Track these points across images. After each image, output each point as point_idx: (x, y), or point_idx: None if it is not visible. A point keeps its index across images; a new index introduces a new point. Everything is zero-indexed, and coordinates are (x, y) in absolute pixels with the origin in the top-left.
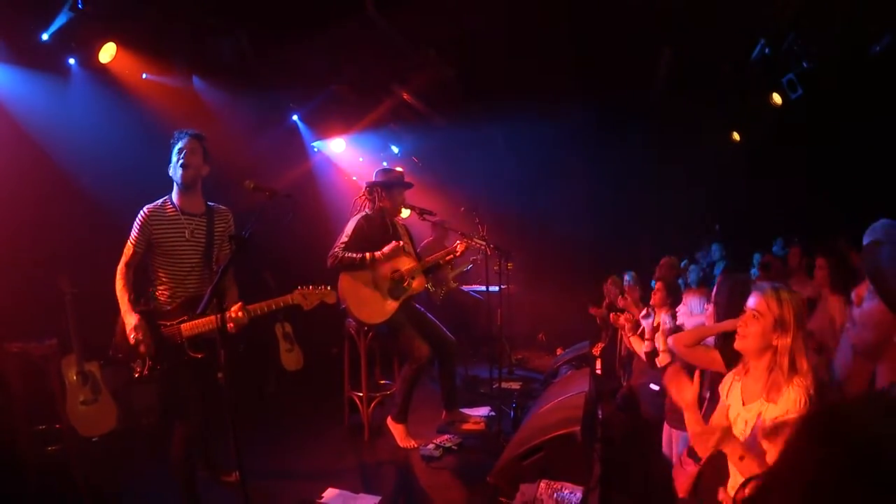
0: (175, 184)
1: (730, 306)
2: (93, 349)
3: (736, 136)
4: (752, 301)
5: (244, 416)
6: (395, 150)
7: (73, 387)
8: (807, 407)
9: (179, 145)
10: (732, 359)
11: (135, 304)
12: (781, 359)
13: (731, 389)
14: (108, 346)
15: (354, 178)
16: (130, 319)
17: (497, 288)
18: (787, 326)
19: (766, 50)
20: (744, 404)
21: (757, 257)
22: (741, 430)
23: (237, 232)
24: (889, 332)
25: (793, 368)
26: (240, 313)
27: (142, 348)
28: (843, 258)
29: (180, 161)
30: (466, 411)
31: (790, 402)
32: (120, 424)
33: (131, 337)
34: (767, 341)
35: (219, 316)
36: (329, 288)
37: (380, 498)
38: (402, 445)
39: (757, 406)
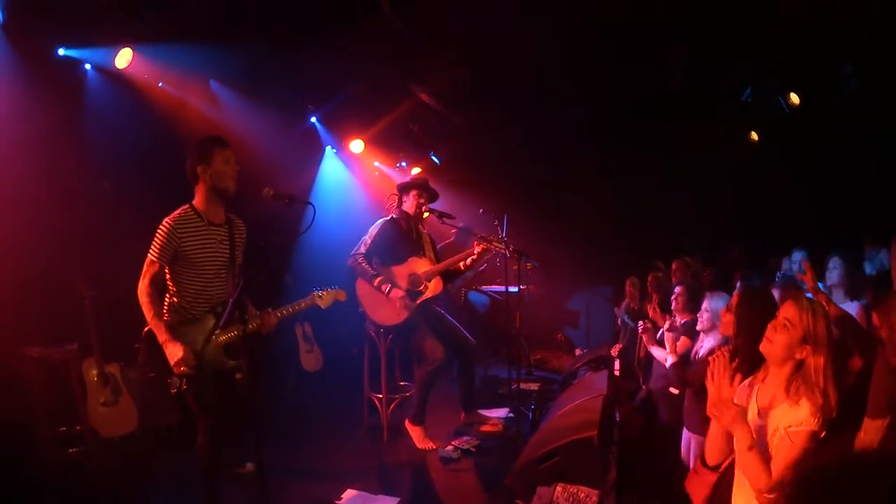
0: (207, 192)
1: (751, 319)
2: (113, 351)
3: (754, 135)
4: (785, 309)
5: (264, 416)
6: (414, 151)
7: (93, 388)
8: (819, 425)
9: (229, 155)
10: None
11: (170, 328)
12: (806, 373)
13: (749, 394)
14: (127, 348)
15: (376, 174)
16: (175, 350)
17: (516, 288)
18: (816, 342)
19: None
20: (758, 410)
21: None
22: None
23: (256, 241)
24: None
25: (815, 385)
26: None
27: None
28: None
29: (231, 173)
30: (484, 413)
31: (804, 415)
32: (140, 425)
33: (179, 370)
34: (792, 353)
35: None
36: (339, 288)
37: (398, 499)
38: (419, 447)
39: (772, 413)
